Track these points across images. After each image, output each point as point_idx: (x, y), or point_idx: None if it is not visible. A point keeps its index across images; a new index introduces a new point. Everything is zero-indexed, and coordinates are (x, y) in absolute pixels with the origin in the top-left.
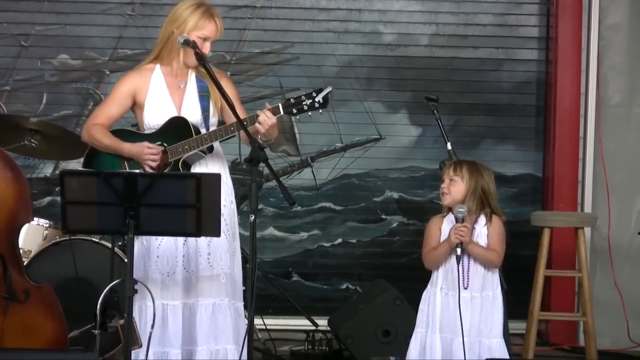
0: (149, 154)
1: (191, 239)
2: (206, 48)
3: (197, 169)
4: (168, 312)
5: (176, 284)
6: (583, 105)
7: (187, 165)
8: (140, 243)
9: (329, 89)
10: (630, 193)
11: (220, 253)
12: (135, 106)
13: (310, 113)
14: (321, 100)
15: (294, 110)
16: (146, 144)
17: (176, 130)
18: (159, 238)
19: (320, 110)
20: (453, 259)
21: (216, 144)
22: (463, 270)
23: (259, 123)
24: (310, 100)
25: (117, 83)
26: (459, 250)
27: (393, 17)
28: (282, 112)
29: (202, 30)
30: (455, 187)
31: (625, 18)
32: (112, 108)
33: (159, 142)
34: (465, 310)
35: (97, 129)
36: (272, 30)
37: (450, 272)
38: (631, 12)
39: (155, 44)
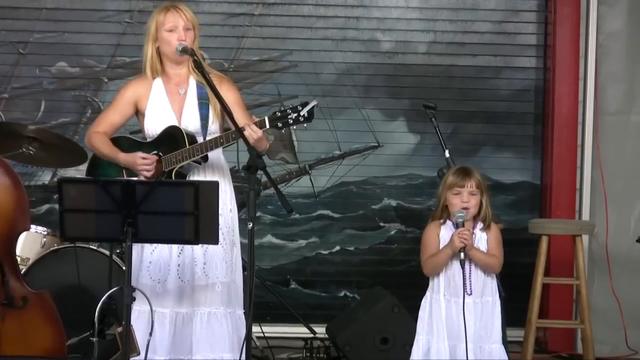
0: (143, 164)
1: (187, 248)
2: (187, 38)
3: (195, 177)
4: (155, 319)
5: (167, 292)
6: (581, 113)
7: (182, 175)
8: (137, 248)
9: (314, 103)
10: (628, 200)
11: (216, 262)
12: (138, 113)
13: (295, 127)
14: (306, 114)
15: (279, 124)
16: (140, 154)
17: (171, 140)
18: (153, 244)
19: (305, 125)
20: (453, 265)
21: (218, 152)
22: (465, 277)
23: (244, 137)
24: (295, 114)
25: (120, 90)
26: (462, 255)
27: (391, 25)
28: (267, 126)
29: (164, 24)
30: (476, 200)
31: (623, 26)
32: (114, 116)
33: (155, 152)
34: (468, 316)
35: (98, 137)
36: (270, 38)
37: (452, 278)
38: (629, 20)
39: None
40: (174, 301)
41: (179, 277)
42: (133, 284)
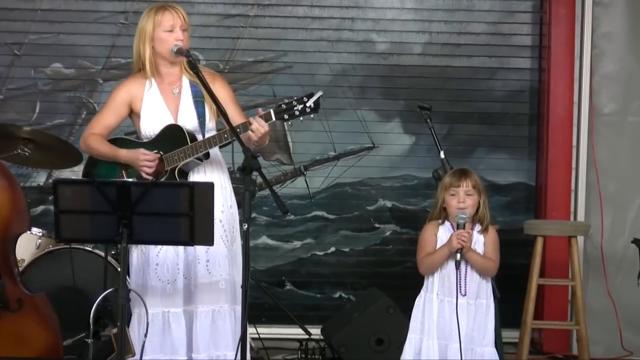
0: (145, 160)
1: (190, 247)
2: (184, 38)
3: (195, 175)
4: (170, 319)
5: (177, 292)
6: (576, 114)
7: (184, 172)
8: (139, 251)
9: (319, 93)
10: (623, 201)
11: (219, 259)
12: (133, 114)
13: (301, 118)
14: (312, 105)
15: (286, 116)
16: (142, 150)
17: (172, 138)
18: (158, 246)
19: (312, 115)
20: (449, 265)
21: (216, 149)
22: (460, 277)
23: (252, 131)
24: (301, 106)
25: (113, 92)
26: (458, 256)
27: (386, 25)
28: (274, 119)
29: (162, 24)
30: (473, 200)
31: (618, 27)
32: (108, 117)
33: (155, 151)
34: (461, 317)
35: (94, 138)
36: (266, 39)
37: (447, 278)
38: (624, 21)
39: (133, 62)
40: (184, 300)
41: (184, 276)
42: (140, 285)
